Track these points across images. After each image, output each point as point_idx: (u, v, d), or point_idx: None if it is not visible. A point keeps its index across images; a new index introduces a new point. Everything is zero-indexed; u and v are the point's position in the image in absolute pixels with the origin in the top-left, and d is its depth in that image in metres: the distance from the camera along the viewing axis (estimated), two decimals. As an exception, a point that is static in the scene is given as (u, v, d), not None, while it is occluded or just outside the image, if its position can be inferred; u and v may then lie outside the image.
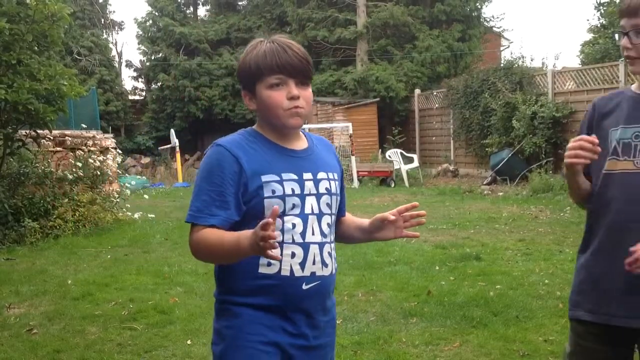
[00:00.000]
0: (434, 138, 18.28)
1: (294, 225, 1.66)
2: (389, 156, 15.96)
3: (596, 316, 1.86)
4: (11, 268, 6.21)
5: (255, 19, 24.14)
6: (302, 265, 1.67)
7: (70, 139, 10.04)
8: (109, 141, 11.65)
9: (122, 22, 31.58)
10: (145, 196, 12.53)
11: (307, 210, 1.68)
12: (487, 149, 14.49)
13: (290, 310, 1.67)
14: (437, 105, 17.96)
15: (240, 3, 26.38)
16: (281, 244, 1.64)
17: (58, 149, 9.79)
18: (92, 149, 10.14)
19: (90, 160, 9.19)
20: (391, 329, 4.10)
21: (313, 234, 1.68)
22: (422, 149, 18.61)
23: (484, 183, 13.88)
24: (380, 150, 18.08)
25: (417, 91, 19.00)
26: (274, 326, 1.67)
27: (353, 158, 15.11)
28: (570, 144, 1.77)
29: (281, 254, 1.63)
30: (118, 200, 9.56)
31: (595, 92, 12.32)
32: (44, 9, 6.95)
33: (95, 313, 4.59)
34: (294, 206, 1.66)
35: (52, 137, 9.20)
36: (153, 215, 9.89)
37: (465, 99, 15.75)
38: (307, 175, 1.70)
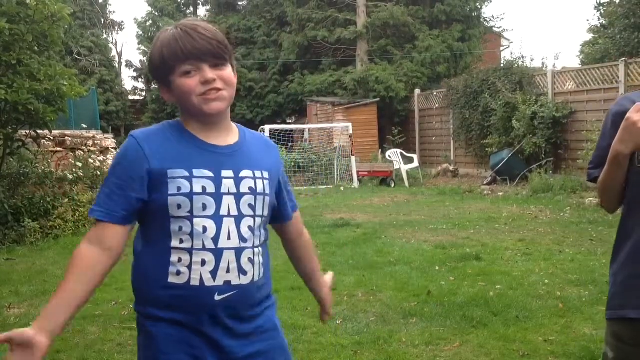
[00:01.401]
0: (434, 138, 18.28)
1: (204, 229, 1.50)
2: (389, 156, 15.96)
3: None
4: (11, 268, 6.21)
5: (255, 19, 24.16)
6: (214, 273, 1.50)
7: (70, 139, 10.05)
8: (109, 141, 11.67)
9: (122, 22, 31.70)
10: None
11: (223, 211, 1.52)
12: (487, 149, 14.49)
13: (206, 325, 1.52)
14: (437, 105, 17.96)
15: (240, 3, 26.41)
16: (190, 250, 1.49)
17: (58, 149, 9.81)
18: (92, 149, 10.16)
19: (90, 161, 9.21)
20: (391, 329, 4.10)
21: (229, 238, 1.52)
22: (422, 149, 18.61)
23: (484, 183, 13.88)
24: (380, 150, 18.08)
25: (417, 91, 19.00)
26: (192, 344, 1.52)
27: (353, 158, 15.12)
28: (636, 117, 1.68)
29: (190, 262, 1.49)
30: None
31: (595, 92, 12.33)
32: (44, 9, 6.96)
33: (95, 313, 4.59)
34: (204, 207, 1.50)
35: (52, 137, 9.22)
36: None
37: (465, 99, 15.75)
38: (227, 173, 1.54)
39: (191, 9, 26.87)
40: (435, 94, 18.12)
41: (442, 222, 8.72)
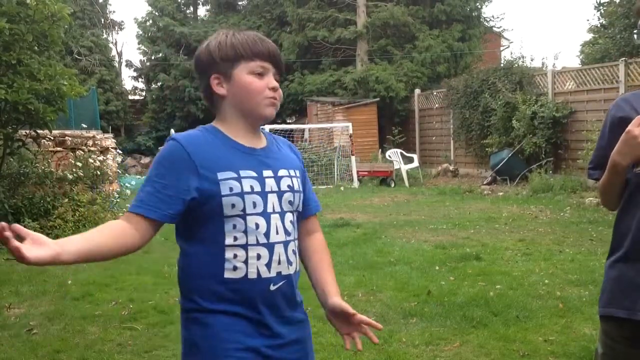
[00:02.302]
0: (434, 138, 18.28)
1: (257, 225, 1.60)
2: (389, 156, 15.96)
3: (631, 312, 1.81)
4: (11, 268, 6.21)
5: (255, 19, 24.14)
6: (269, 266, 1.62)
7: (70, 139, 10.05)
8: (109, 141, 11.66)
9: (122, 22, 31.67)
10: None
11: (269, 208, 1.63)
12: (487, 149, 14.48)
13: (261, 314, 1.62)
14: (437, 105, 17.96)
15: (240, 3, 26.40)
16: (245, 246, 1.59)
17: (58, 149, 9.80)
18: (92, 149, 10.15)
19: (90, 160, 9.20)
20: (391, 329, 4.10)
21: (277, 233, 1.63)
22: (422, 149, 18.61)
23: (484, 183, 13.88)
24: (380, 150, 18.08)
25: (417, 91, 19.00)
26: (248, 331, 1.61)
27: (353, 158, 15.11)
28: (637, 131, 1.68)
29: (246, 257, 1.59)
30: (118, 200, 9.57)
31: (595, 92, 12.33)
32: (44, 9, 6.96)
33: (95, 313, 4.59)
34: (254, 205, 1.60)
35: (52, 137, 9.21)
36: (153, 215, 9.86)
37: (465, 99, 15.75)
38: (267, 173, 1.65)
39: (191, 8, 26.85)
40: (435, 93, 18.12)
41: (442, 222, 8.72)
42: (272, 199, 1.64)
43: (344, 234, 7.88)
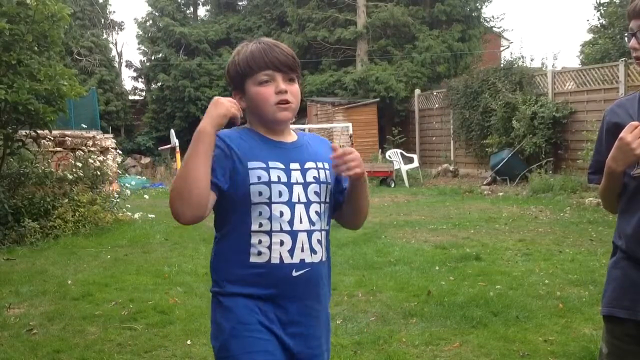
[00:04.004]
0: (434, 138, 18.28)
1: (281, 213, 1.71)
2: (389, 156, 15.96)
3: (631, 312, 1.83)
4: (11, 268, 6.21)
5: (255, 19, 24.15)
6: (291, 252, 1.71)
7: (70, 139, 10.06)
8: (109, 141, 11.67)
9: (122, 22, 31.68)
10: (146, 196, 12.53)
11: (295, 198, 1.73)
12: (487, 149, 14.49)
13: (283, 298, 1.72)
14: (437, 106, 17.96)
15: (240, 3, 26.39)
16: (269, 232, 1.70)
17: (58, 149, 9.81)
18: (92, 149, 10.16)
19: (90, 161, 9.20)
20: (391, 329, 4.10)
21: (301, 222, 1.73)
22: (422, 149, 18.61)
23: (484, 183, 13.88)
24: (380, 150, 18.08)
25: (417, 91, 19.00)
26: (268, 315, 1.71)
27: (353, 158, 15.08)
28: (629, 137, 1.70)
29: (270, 243, 1.70)
30: (118, 200, 9.57)
31: (595, 92, 12.33)
32: (44, 10, 6.96)
33: (95, 313, 4.59)
34: (280, 194, 1.71)
35: (52, 137, 9.21)
36: (153, 216, 9.88)
37: (465, 99, 15.75)
38: (294, 165, 1.75)
39: (191, 8, 26.84)
40: (435, 94, 18.12)
41: (442, 222, 8.72)
42: (298, 189, 1.74)
43: (344, 234, 7.87)
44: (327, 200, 1.82)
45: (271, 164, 1.72)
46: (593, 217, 8.65)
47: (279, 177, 1.71)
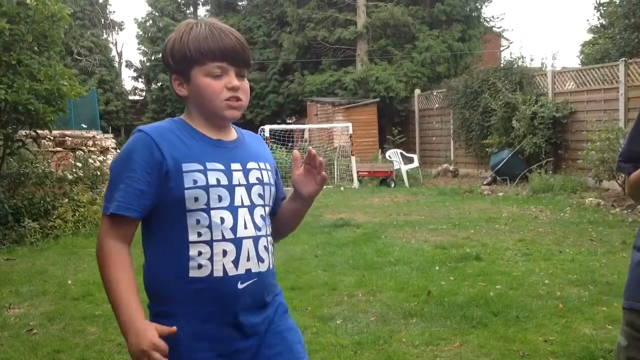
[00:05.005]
0: (434, 138, 18.29)
1: (222, 220, 1.52)
2: (389, 156, 15.96)
3: None
4: (11, 268, 6.21)
5: (255, 19, 24.17)
6: (236, 263, 1.53)
7: (70, 139, 10.06)
8: (109, 141, 11.67)
9: (122, 22, 31.73)
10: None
11: (237, 202, 1.56)
12: (487, 149, 14.48)
13: (230, 314, 1.54)
14: (437, 106, 17.96)
15: (240, 3, 26.42)
16: (210, 242, 1.51)
17: (58, 149, 9.81)
18: (92, 149, 10.16)
19: (90, 161, 9.20)
20: (391, 329, 4.10)
21: (245, 227, 1.55)
22: (422, 149, 18.61)
23: (484, 183, 13.88)
24: (380, 150, 18.08)
25: (417, 91, 19.00)
26: (211, 337, 1.54)
27: (353, 158, 15.11)
28: None
29: (211, 254, 1.51)
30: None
31: (595, 92, 12.33)
32: (44, 10, 6.96)
33: (95, 313, 4.59)
34: (220, 198, 1.53)
35: (52, 137, 9.22)
36: (153, 216, 9.87)
37: (465, 99, 15.75)
38: (236, 166, 1.58)
39: (191, 8, 26.88)
40: (435, 94, 18.12)
41: (442, 222, 8.71)
42: (240, 192, 1.57)
43: (344, 234, 7.88)
44: (270, 203, 1.67)
45: (209, 165, 1.53)
46: (593, 217, 8.65)
47: (218, 179, 1.53)
